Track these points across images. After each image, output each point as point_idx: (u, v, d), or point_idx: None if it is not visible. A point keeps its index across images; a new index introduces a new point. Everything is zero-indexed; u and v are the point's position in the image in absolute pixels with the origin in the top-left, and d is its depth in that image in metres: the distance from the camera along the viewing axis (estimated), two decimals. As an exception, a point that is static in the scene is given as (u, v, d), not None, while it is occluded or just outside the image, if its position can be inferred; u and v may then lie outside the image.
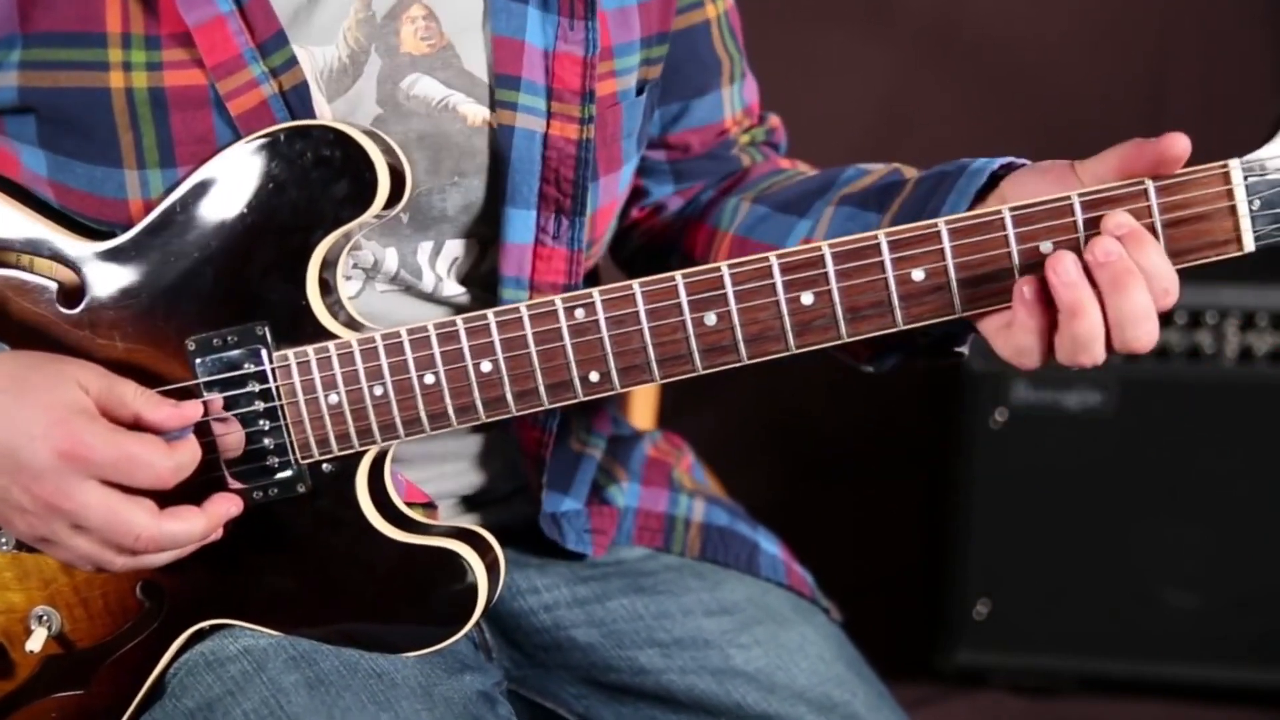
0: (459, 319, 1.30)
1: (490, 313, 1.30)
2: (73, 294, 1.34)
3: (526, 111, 1.40)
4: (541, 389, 1.31)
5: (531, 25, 1.41)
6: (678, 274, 1.28)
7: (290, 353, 1.32)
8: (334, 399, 1.32)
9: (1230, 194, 1.20)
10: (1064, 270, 1.19)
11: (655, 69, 1.54)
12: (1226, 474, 2.58)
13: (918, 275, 1.25)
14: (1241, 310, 2.54)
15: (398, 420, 1.32)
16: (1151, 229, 1.21)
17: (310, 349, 1.32)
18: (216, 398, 1.33)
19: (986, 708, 2.74)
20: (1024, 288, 1.21)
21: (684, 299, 1.28)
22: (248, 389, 1.33)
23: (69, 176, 1.35)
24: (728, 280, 1.27)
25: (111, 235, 1.35)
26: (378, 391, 1.32)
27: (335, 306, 1.34)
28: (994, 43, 3.07)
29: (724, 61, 1.63)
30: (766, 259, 1.26)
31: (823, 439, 3.18)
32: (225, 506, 1.32)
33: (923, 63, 3.10)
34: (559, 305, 1.29)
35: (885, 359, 1.44)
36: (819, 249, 1.25)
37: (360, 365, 1.32)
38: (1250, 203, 1.20)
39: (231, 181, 1.32)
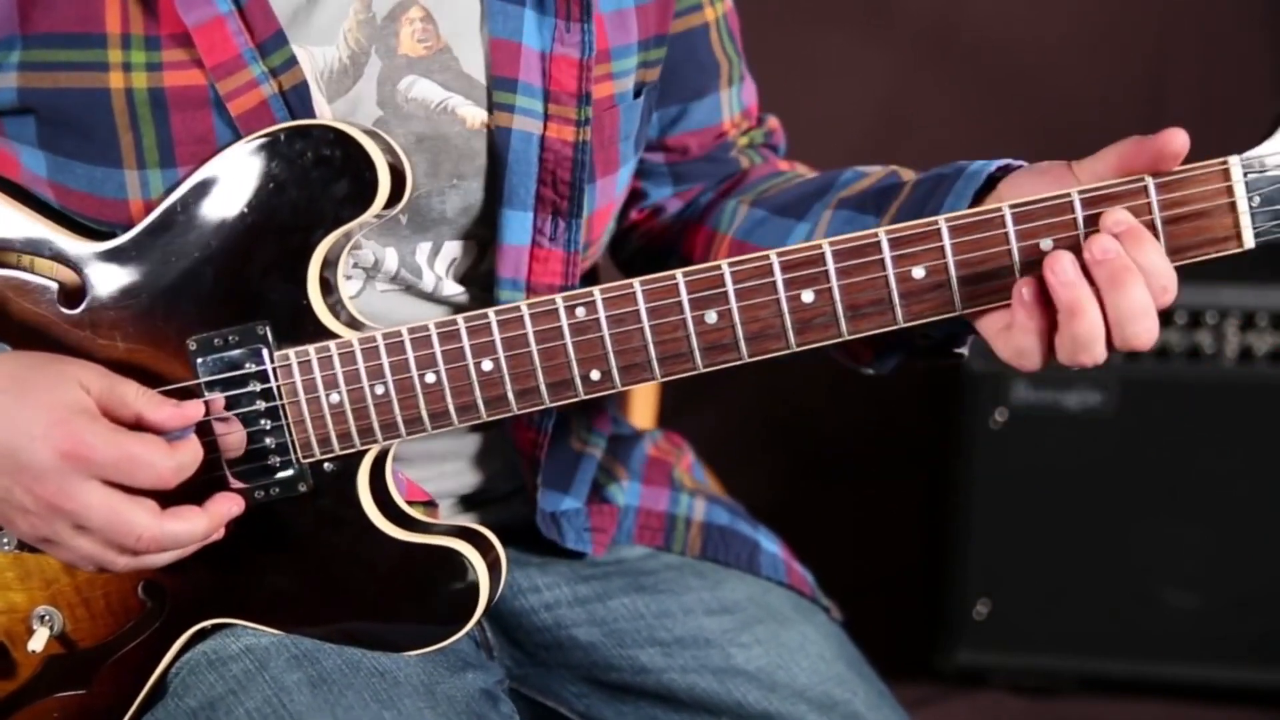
0: (460, 318, 1.31)
1: (491, 312, 1.30)
2: (73, 294, 1.35)
3: (523, 114, 1.41)
4: (543, 387, 1.31)
5: (528, 28, 1.41)
6: (678, 272, 1.28)
7: (291, 352, 1.32)
8: (335, 398, 1.33)
9: (1230, 190, 1.20)
10: (1062, 270, 1.19)
11: (653, 71, 1.54)
12: (1226, 474, 2.58)
13: (918, 273, 1.25)
14: (1241, 310, 2.54)
15: (399, 419, 1.33)
16: (1151, 226, 1.21)
17: (311, 348, 1.32)
18: (218, 397, 1.33)
19: (986, 708, 2.74)
20: (1023, 289, 1.22)
21: (684, 297, 1.28)
22: (249, 388, 1.33)
23: (69, 177, 1.35)
24: (728, 278, 1.27)
25: (112, 235, 1.35)
26: (379, 390, 1.32)
27: (336, 306, 1.34)
28: (993, 45, 3.07)
29: (722, 64, 1.63)
30: (767, 257, 1.26)
31: (823, 439, 3.19)
32: (227, 506, 1.32)
33: (921, 65, 3.10)
34: (560, 304, 1.29)
35: (886, 360, 1.45)
36: (819, 247, 1.26)
37: (361, 364, 1.32)
38: (1250, 199, 1.20)
39: (232, 181, 1.32)
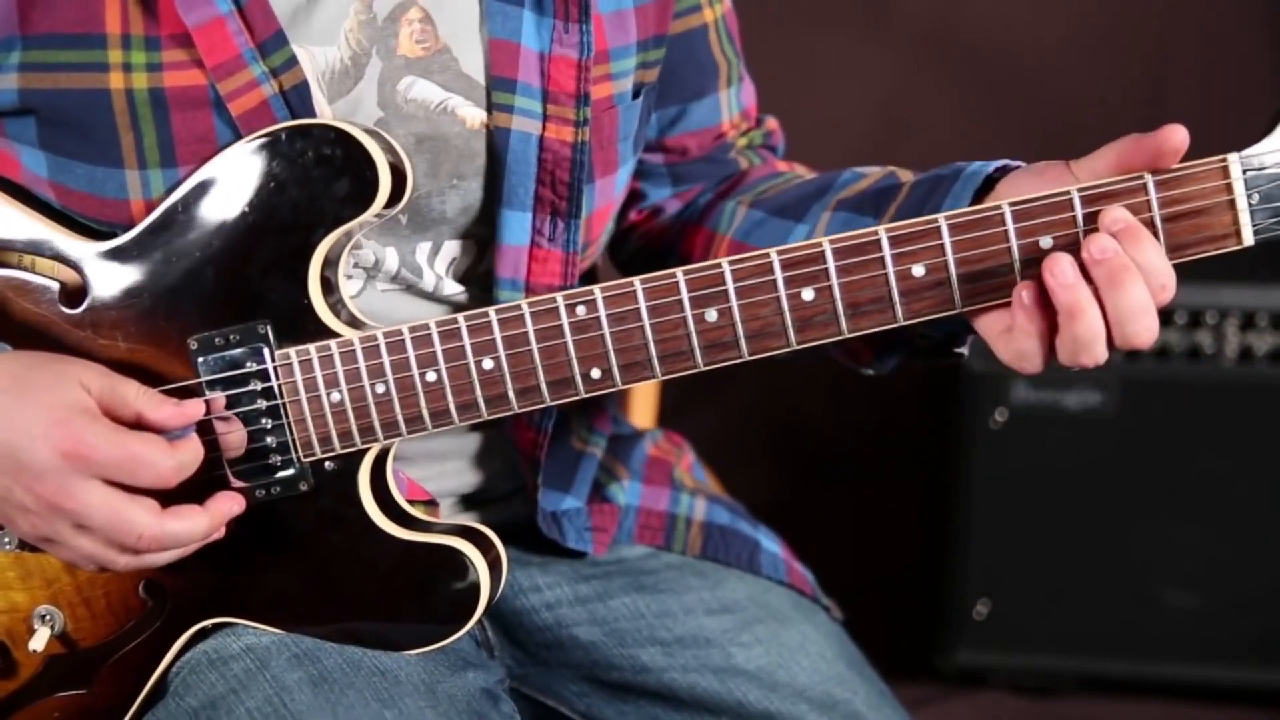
0: (461, 317, 1.31)
1: (492, 310, 1.30)
2: (74, 294, 1.35)
3: (522, 114, 1.41)
4: (543, 386, 1.31)
5: (527, 28, 1.41)
6: (678, 271, 1.28)
7: (292, 351, 1.33)
8: (336, 397, 1.33)
9: (1229, 188, 1.20)
10: (1061, 272, 1.20)
11: (652, 72, 1.54)
12: (1226, 474, 2.58)
13: (918, 271, 1.25)
14: (1241, 310, 2.54)
15: (400, 418, 1.33)
16: (1150, 224, 1.21)
17: (312, 347, 1.32)
18: (219, 396, 1.33)
19: (986, 708, 2.74)
20: (1022, 292, 1.22)
21: (685, 295, 1.28)
22: (250, 387, 1.33)
23: (69, 177, 1.35)
24: (729, 277, 1.27)
25: (113, 235, 1.35)
26: (380, 389, 1.32)
27: (337, 305, 1.35)
28: (992, 46, 3.07)
29: (721, 65, 1.63)
30: (767, 255, 1.26)
31: (823, 439, 3.19)
32: (227, 505, 1.32)
33: (921, 66, 3.10)
34: (560, 303, 1.30)
35: (886, 360, 1.45)
36: (820, 245, 1.26)
37: (362, 363, 1.32)
38: (1249, 197, 1.20)
39: (233, 181, 1.32)
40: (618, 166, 1.52)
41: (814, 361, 1.50)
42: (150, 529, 1.27)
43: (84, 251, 1.34)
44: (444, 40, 1.40)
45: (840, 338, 1.27)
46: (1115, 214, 1.20)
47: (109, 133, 1.33)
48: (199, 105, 1.33)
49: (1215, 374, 2.55)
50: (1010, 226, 1.23)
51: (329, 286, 1.34)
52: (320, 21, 1.37)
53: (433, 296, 1.46)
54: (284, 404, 1.33)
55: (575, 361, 1.30)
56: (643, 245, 1.68)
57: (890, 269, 1.25)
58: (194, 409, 1.30)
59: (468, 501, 1.57)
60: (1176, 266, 1.22)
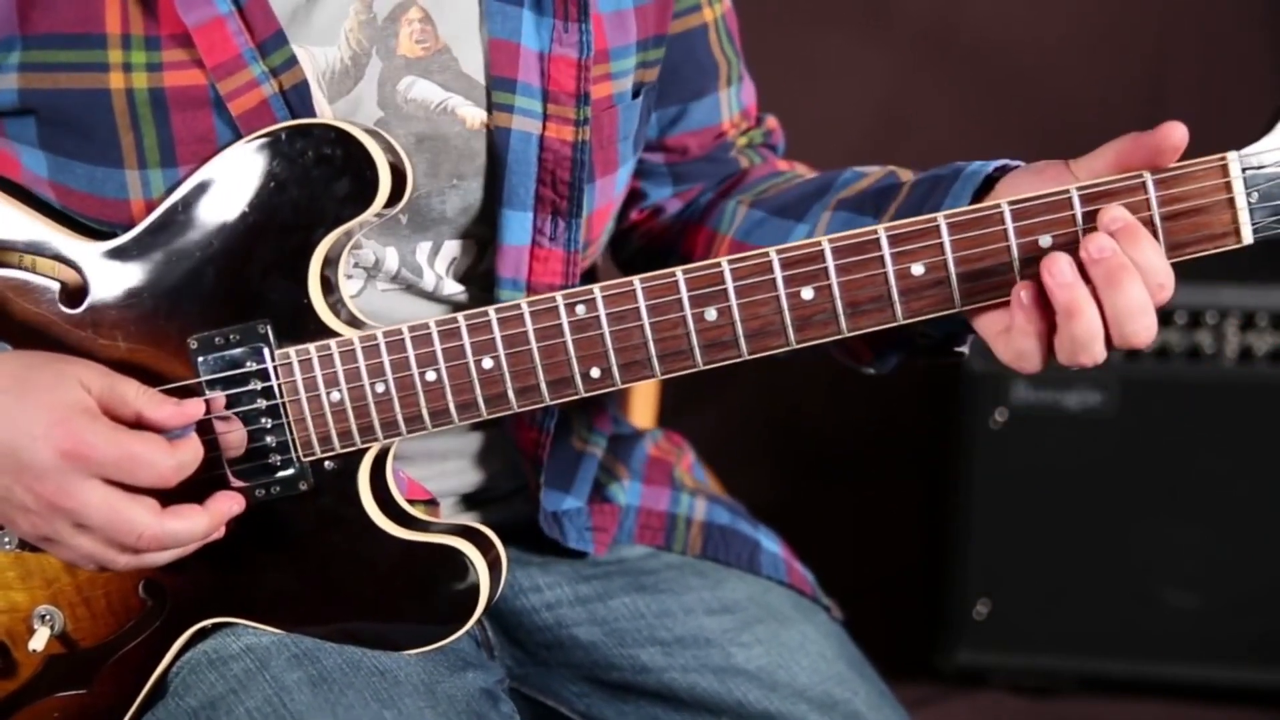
0: (460, 316, 1.31)
1: (492, 310, 1.30)
2: (75, 294, 1.35)
3: (522, 114, 1.41)
4: (543, 385, 1.31)
5: (526, 28, 1.41)
6: (678, 270, 1.28)
7: (292, 350, 1.33)
8: (336, 396, 1.33)
9: (1228, 186, 1.20)
10: (1059, 271, 1.20)
11: (652, 72, 1.54)
12: (1226, 474, 2.58)
13: (917, 270, 1.25)
14: (1241, 310, 2.54)
15: (400, 417, 1.33)
16: (1150, 222, 1.21)
17: (312, 346, 1.32)
18: (219, 396, 1.33)
19: (986, 708, 2.74)
20: (1021, 292, 1.22)
21: (684, 294, 1.28)
22: (250, 387, 1.33)
23: (70, 177, 1.35)
24: (728, 276, 1.27)
25: (113, 235, 1.35)
26: (380, 389, 1.32)
27: (337, 304, 1.35)
28: (992, 46, 3.07)
29: (721, 64, 1.63)
30: (767, 254, 1.26)
31: (823, 439, 3.19)
32: (227, 505, 1.32)
33: (921, 66, 3.10)
34: (560, 302, 1.30)
35: (887, 359, 1.45)
36: (819, 244, 1.26)
37: (362, 362, 1.32)
38: (1249, 195, 1.20)
39: (233, 180, 1.32)
40: (618, 166, 1.52)
41: (814, 361, 1.50)
42: (150, 528, 1.27)
43: (84, 251, 1.35)
44: (444, 40, 1.40)
45: (840, 337, 1.27)
46: (1114, 213, 1.20)
47: (109, 133, 1.33)
48: (199, 105, 1.33)
49: (1215, 374, 2.55)
50: (1009, 225, 1.23)
51: (329, 286, 1.34)
52: (320, 21, 1.37)
53: (433, 296, 1.46)
54: (284, 403, 1.33)
55: (575, 361, 1.30)
56: (644, 245, 1.68)
57: (889, 268, 1.25)
58: (194, 408, 1.30)
59: (468, 501, 1.57)
60: (1176, 266, 1.22)
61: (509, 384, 1.31)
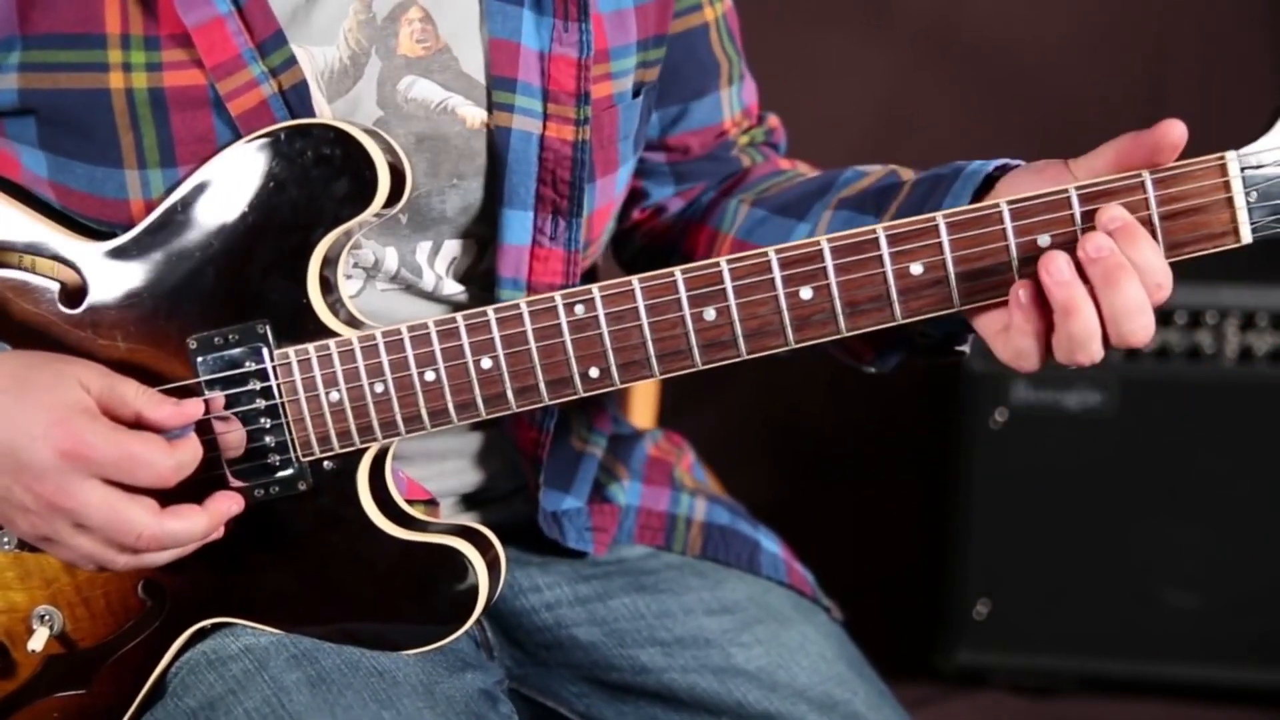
0: (459, 316, 1.31)
1: (490, 310, 1.30)
2: (74, 294, 1.35)
3: (523, 113, 1.41)
4: (542, 385, 1.31)
5: (526, 28, 1.41)
6: (677, 269, 1.28)
7: (291, 350, 1.33)
8: (335, 396, 1.33)
9: (1227, 186, 1.20)
10: (1056, 270, 1.20)
11: (652, 71, 1.54)
12: (1226, 474, 2.58)
13: (916, 269, 1.25)
14: (1241, 310, 2.54)
15: (398, 417, 1.33)
16: (1148, 222, 1.21)
17: (311, 346, 1.32)
18: (218, 396, 1.33)
19: (986, 708, 2.74)
20: (1019, 291, 1.22)
21: (683, 294, 1.28)
22: (249, 387, 1.33)
23: (69, 177, 1.35)
24: (726, 275, 1.27)
25: (113, 235, 1.35)
26: (378, 389, 1.32)
27: (336, 304, 1.35)
28: (993, 45, 3.07)
29: (723, 64, 1.63)
30: (765, 254, 1.26)
31: (823, 439, 3.19)
32: (226, 505, 1.32)
33: (921, 65, 3.10)
34: (559, 302, 1.30)
35: (887, 358, 1.45)
36: (818, 244, 1.26)
37: (361, 362, 1.32)
38: (1247, 195, 1.20)
39: (232, 180, 1.32)
40: (618, 166, 1.52)
41: (813, 361, 1.50)
42: (149, 528, 1.27)
43: (84, 252, 1.35)
44: (444, 40, 1.40)
45: (838, 336, 1.27)
46: (1112, 212, 1.20)
47: (109, 133, 1.33)
48: (198, 105, 1.33)
49: (1215, 374, 2.55)
50: (1008, 225, 1.23)
51: (328, 286, 1.34)
52: (319, 21, 1.37)
53: (432, 296, 1.46)
54: (283, 403, 1.33)
55: (573, 361, 1.30)
56: (646, 244, 1.68)
57: (888, 267, 1.25)
58: (193, 408, 1.30)
59: (468, 501, 1.57)
60: (1176, 266, 1.22)
61: (508, 384, 1.31)
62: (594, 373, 1.31)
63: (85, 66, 1.32)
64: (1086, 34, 3.05)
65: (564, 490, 1.59)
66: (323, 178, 1.31)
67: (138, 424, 1.29)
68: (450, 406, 1.32)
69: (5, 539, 1.37)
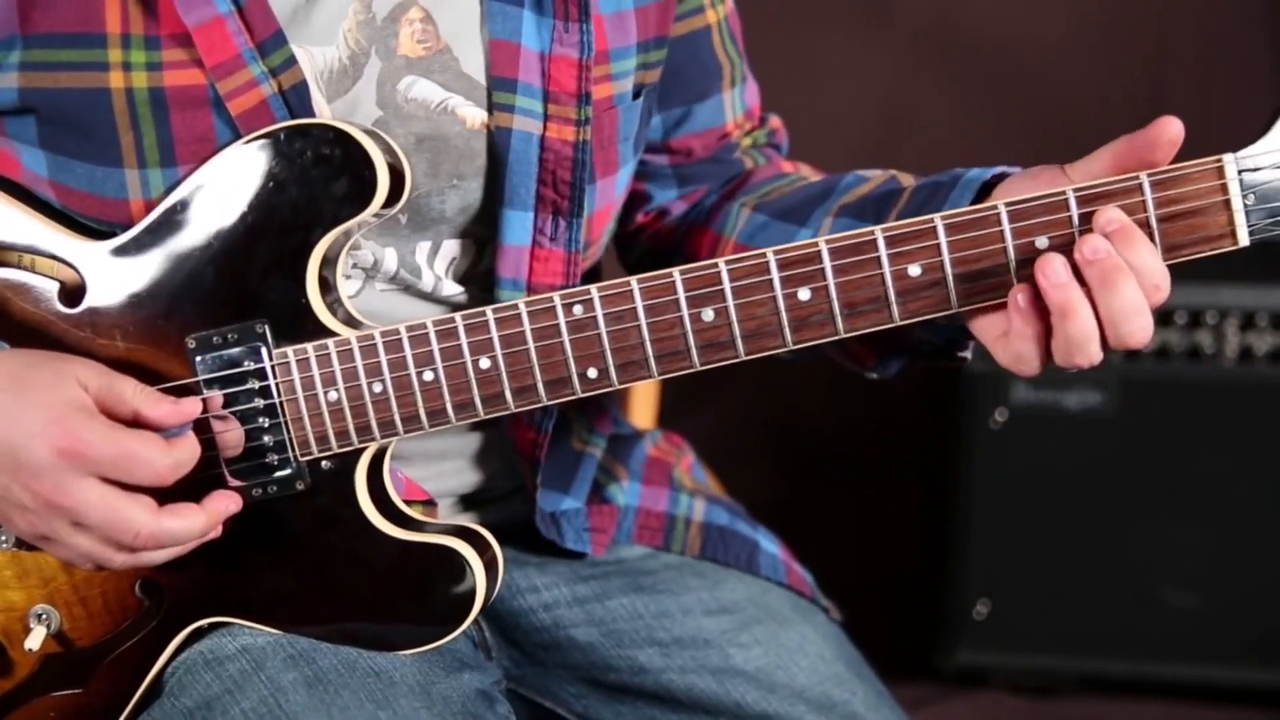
0: (458, 316, 1.31)
1: (489, 310, 1.31)
2: (74, 293, 1.35)
3: (523, 114, 1.41)
4: (540, 385, 1.31)
5: (527, 28, 1.41)
6: (675, 270, 1.28)
7: (290, 350, 1.33)
8: (333, 396, 1.33)
9: (1224, 189, 1.20)
10: (1053, 272, 1.20)
11: (653, 73, 1.54)
12: (1226, 474, 2.58)
13: (914, 271, 1.25)
14: (1241, 310, 2.54)
15: (396, 417, 1.33)
16: (1146, 224, 1.21)
17: (310, 346, 1.32)
18: (216, 395, 1.33)
19: (986, 708, 2.74)
20: (1018, 295, 1.22)
21: (681, 295, 1.28)
22: (247, 386, 1.33)
23: (69, 177, 1.35)
24: (725, 276, 1.27)
25: (112, 235, 1.35)
26: (377, 389, 1.32)
27: (335, 304, 1.35)
28: (993, 45, 3.07)
29: (725, 66, 1.63)
30: (764, 255, 1.27)
31: (823, 439, 3.19)
32: (224, 504, 1.32)
33: (922, 65, 3.10)
34: (557, 302, 1.30)
35: (888, 364, 1.45)
36: (816, 245, 1.26)
37: (359, 362, 1.32)
38: (1245, 197, 1.20)
39: (232, 180, 1.32)
40: (618, 167, 1.52)
41: (813, 361, 1.50)
42: (147, 527, 1.27)
43: (83, 251, 1.35)
44: (445, 40, 1.40)
45: (836, 337, 1.27)
46: (1109, 214, 1.20)
47: (109, 132, 1.33)
48: (198, 105, 1.33)
49: (1215, 374, 2.55)
50: (1006, 227, 1.23)
51: (327, 286, 1.34)
52: (319, 21, 1.37)
53: (431, 297, 1.46)
54: (281, 403, 1.33)
55: (572, 361, 1.31)
56: (650, 247, 1.68)
57: (886, 269, 1.25)
58: (191, 407, 1.30)
59: (466, 501, 1.57)
60: (1175, 266, 1.22)
61: (506, 384, 1.32)
62: (592, 373, 1.31)
63: (85, 66, 1.32)
64: (1086, 34, 3.05)
65: (563, 491, 1.59)
66: (322, 178, 1.31)
67: (136, 422, 1.29)
68: (448, 407, 1.32)
69: (3, 537, 1.37)
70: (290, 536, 1.36)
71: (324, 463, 1.35)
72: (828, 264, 1.26)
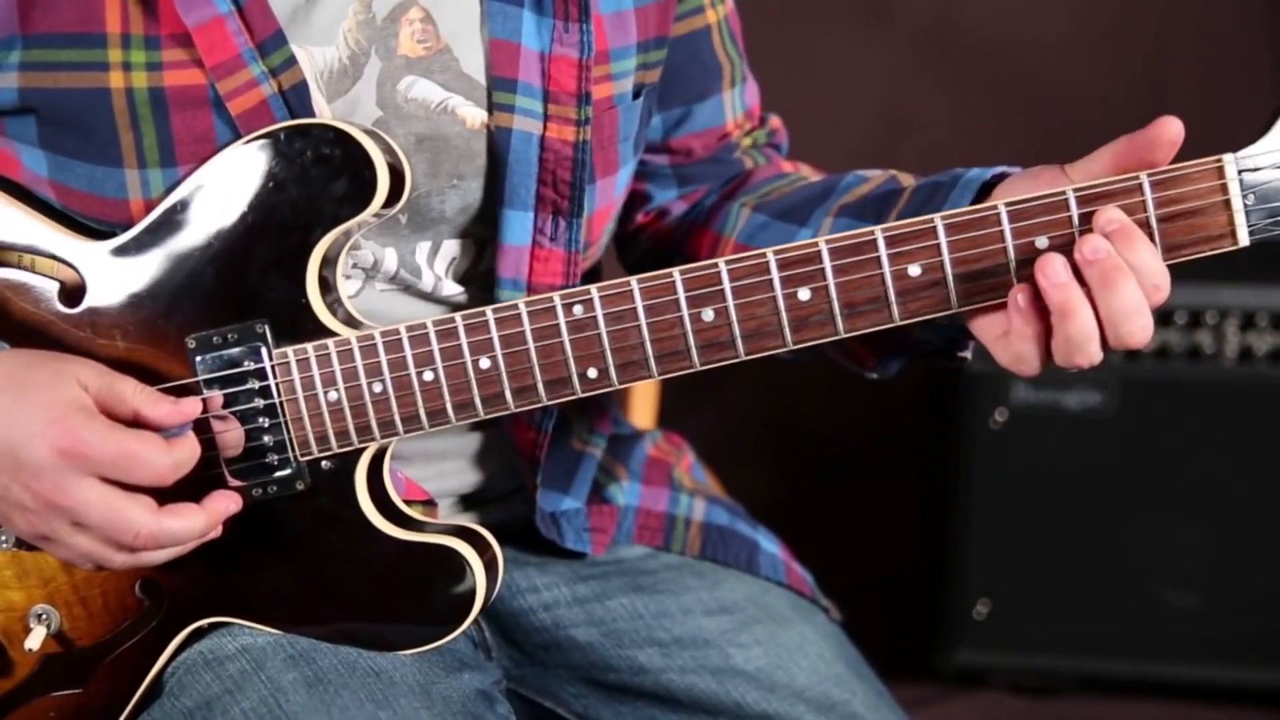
0: (458, 316, 1.31)
1: (489, 310, 1.31)
2: (74, 293, 1.35)
3: (523, 114, 1.41)
4: (540, 385, 1.31)
5: (527, 28, 1.41)
6: (675, 270, 1.28)
7: (290, 350, 1.33)
8: (333, 396, 1.33)
9: (1224, 189, 1.20)
10: (1053, 272, 1.20)
11: (653, 73, 1.54)
12: (1226, 474, 2.58)
13: (914, 271, 1.25)
14: (1241, 310, 2.54)
15: (396, 417, 1.33)
16: (1146, 224, 1.21)
17: (310, 346, 1.33)
18: (216, 395, 1.33)
19: (986, 708, 2.74)
20: (1018, 295, 1.22)
21: (681, 295, 1.28)
22: (247, 386, 1.33)
23: (69, 177, 1.35)
24: (725, 276, 1.27)
25: (112, 235, 1.35)
26: (377, 389, 1.32)
27: (335, 304, 1.35)
28: (993, 45, 3.07)
29: (725, 66, 1.63)
30: (764, 255, 1.27)
31: (823, 439, 3.19)
32: (224, 504, 1.32)
33: (922, 65, 3.10)
34: (557, 302, 1.30)
35: (889, 364, 1.45)
36: (816, 245, 1.26)
37: (359, 362, 1.32)
38: (1245, 197, 1.20)
39: (232, 180, 1.32)
40: (618, 167, 1.52)
41: (813, 361, 1.50)
42: (147, 527, 1.27)
43: (83, 251, 1.35)
44: (445, 40, 1.40)
45: (836, 337, 1.28)
46: (1109, 214, 1.20)
47: (109, 132, 1.33)
48: (198, 105, 1.33)
49: (1215, 374, 2.55)
50: (1006, 226, 1.23)
51: (327, 286, 1.34)
52: (319, 21, 1.37)
53: (431, 297, 1.46)
54: (281, 403, 1.33)
55: (572, 361, 1.31)
56: (651, 247, 1.68)
57: (886, 269, 1.25)
58: (191, 407, 1.30)
59: (466, 501, 1.57)
60: (1175, 266, 1.22)
61: (506, 384, 1.32)
62: (592, 373, 1.31)
63: (85, 66, 1.32)
64: (1086, 34, 3.05)
65: (563, 491, 1.59)
66: (322, 178, 1.31)
67: (136, 422, 1.29)
68: (448, 406, 1.32)
69: (3, 537, 1.37)
70: (290, 536, 1.36)
71: (324, 463, 1.35)
72: (828, 264, 1.26)
